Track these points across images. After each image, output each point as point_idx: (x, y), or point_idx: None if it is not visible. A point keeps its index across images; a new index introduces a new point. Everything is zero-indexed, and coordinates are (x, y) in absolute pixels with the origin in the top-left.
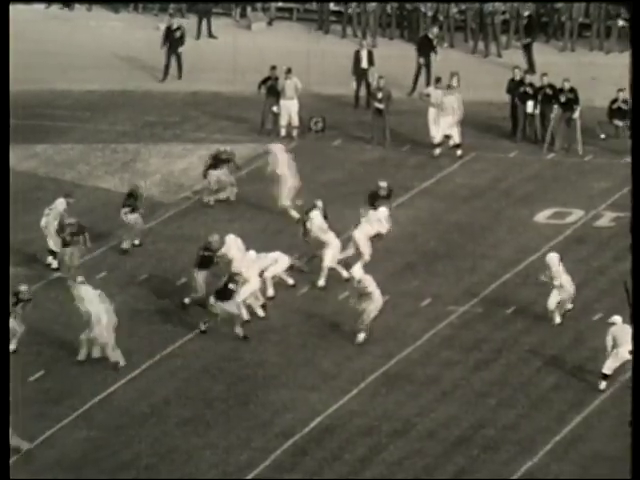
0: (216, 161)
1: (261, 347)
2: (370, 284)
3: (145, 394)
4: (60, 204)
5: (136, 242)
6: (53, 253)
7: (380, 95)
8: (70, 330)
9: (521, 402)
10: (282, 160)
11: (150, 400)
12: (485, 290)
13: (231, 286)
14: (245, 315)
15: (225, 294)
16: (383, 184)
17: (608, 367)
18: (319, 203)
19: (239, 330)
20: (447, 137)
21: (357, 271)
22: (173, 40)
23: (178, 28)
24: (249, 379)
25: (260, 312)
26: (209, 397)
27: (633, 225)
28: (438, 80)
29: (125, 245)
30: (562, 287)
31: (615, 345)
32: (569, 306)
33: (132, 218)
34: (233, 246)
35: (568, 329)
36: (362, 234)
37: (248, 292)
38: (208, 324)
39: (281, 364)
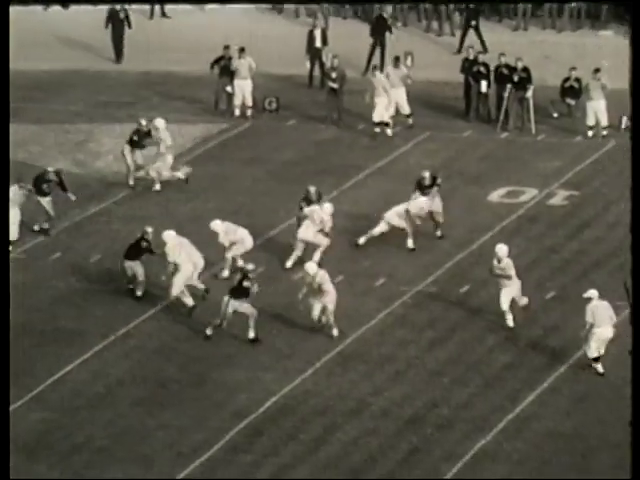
0: (139, 137)
1: (216, 327)
2: (325, 280)
3: (99, 375)
4: (16, 195)
5: (45, 226)
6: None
7: (334, 74)
8: (22, 310)
9: (475, 381)
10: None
11: (104, 381)
12: (439, 269)
13: (246, 284)
14: (191, 302)
15: (240, 292)
16: (426, 174)
17: (594, 349)
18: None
19: (252, 333)
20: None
21: (311, 267)
22: (117, 23)
23: (123, 9)
24: (203, 359)
25: (199, 287)
26: (163, 378)
27: (633, 225)
28: (397, 59)
29: (37, 227)
30: (512, 279)
31: (595, 324)
32: (525, 300)
33: (45, 201)
34: (177, 243)
35: (521, 308)
36: (306, 233)
37: (182, 280)
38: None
39: (235, 344)
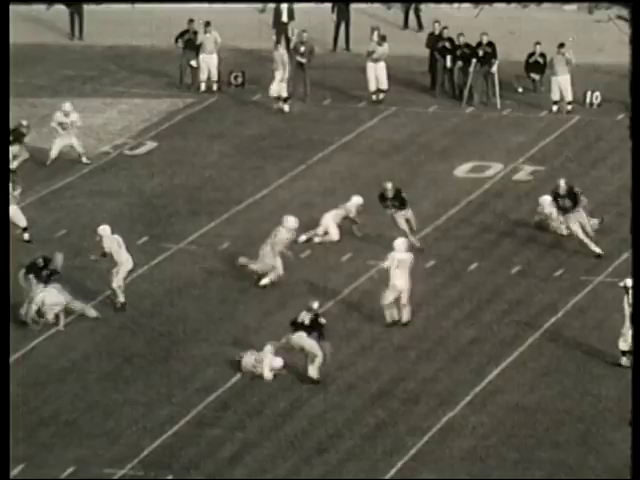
0: (16, 135)
1: (181, 302)
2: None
3: (65, 350)
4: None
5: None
6: None
7: (302, 49)
8: None
9: (440, 355)
10: None
11: (70, 356)
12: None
13: (322, 320)
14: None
15: (313, 328)
16: (388, 185)
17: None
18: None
19: (314, 372)
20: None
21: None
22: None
23: None
24: (169, 334)
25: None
26: (129, 353)
27: (633, 225)
28: (383, 38)
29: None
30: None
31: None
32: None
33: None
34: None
35: (486, 282)
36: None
37: (123, 274)
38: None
39: (202, 319)
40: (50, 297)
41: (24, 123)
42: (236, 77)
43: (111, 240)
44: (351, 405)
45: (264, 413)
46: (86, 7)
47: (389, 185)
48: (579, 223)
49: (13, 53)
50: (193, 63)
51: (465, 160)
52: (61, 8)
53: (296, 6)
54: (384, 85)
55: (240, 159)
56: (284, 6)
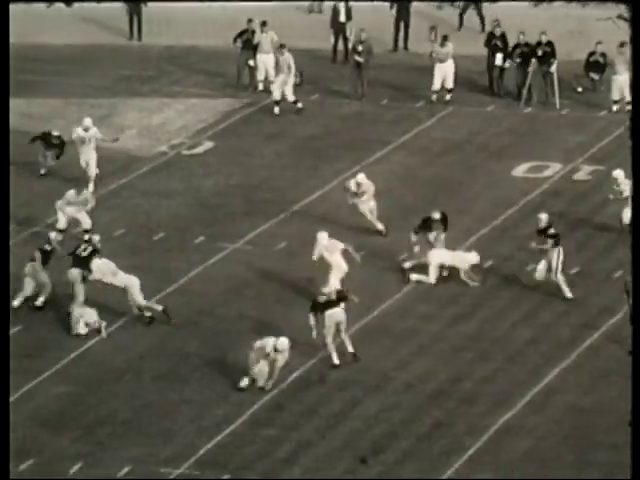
0: (46, 141)
1: (237, 302)
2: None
3: (121, 349)
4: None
5: None
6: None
7: (361, 48)
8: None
9: (497, 356)
10: None
11: (126, 355)
12: (461, 245)
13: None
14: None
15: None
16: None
17: None
18: None
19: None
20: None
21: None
22: (134, 0)
23: None
24: (225, 334)
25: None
26: (185, 352)
27: (633, 225)
28: (445, 37)
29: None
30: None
31: None
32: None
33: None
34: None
35: (544, 283)
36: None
37: (137, 294)
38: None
39: (257, 319)
40: (88, 315)
41: (55, 134)
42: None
43: (102, 272)
44: (408, 405)
45: (319, 413)
46: (144, 7)
47: None
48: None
49: (71, 54)
50: (251, 63)
51: (523, 160)
52: (117, 6)
53: (354, 5)
54: (450, 84)
55: (296, 159)
56: (341, 5)
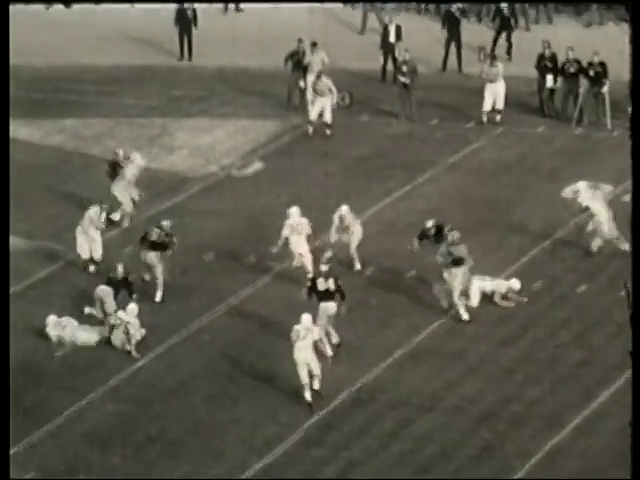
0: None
1: (287, 321)
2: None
3: (172, 369)
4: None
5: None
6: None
7: (405, 69)
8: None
9: (548, 377)
10: None
11: (177, 375)
12: (512, 265)
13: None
14: None
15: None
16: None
17: None
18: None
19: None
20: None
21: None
22: (185, 21)
23: (191, 7)
24: (275, 353)
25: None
26: (235, 372)
27: (633, 225)
28: (494, 58)
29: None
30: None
31: None
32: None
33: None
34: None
35: (595, 304)
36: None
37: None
38: None
39: None
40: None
41: (120, 153)
42: (344, 97)
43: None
44: (457, 426)
45: (370, 432)
46: (195, 29)
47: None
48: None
49: (122, 74)
50: (301, 84)
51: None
52: (168, 27)
53: (408, 26)
54: (501, 105)
55: (346, 179)
56: (392, 27)
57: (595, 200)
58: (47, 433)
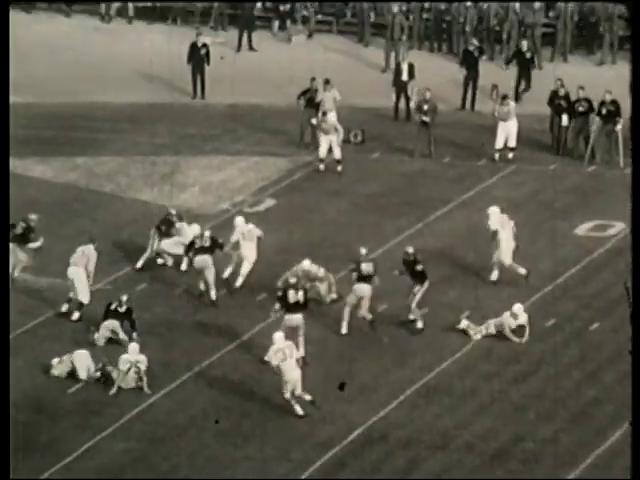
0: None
1: None
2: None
3: (183, 406)
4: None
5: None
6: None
7: (426, 107)
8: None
9: (560, 416)
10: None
11: (188, 412)
12: (524, 303)
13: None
14: None
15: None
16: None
17: None
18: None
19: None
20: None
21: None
22: (198, 58)
23: (204, 45)
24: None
25: None
26: (247, 409)
27: (633, 225)
28: (505, 97)
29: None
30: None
31: None
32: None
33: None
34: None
35: (608, 342)
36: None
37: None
38: None
39: (319, 376)
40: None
41: (173, 212)
42: (356, 135)
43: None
44: (469, 464)
45: (382, 470)
46: (207, 67)
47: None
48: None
49: (135, 112)
50: (313, 121)
51: (587, 219)
52: (181, 66)
53: (420, 64)
54: (513, 142)
55: (358, 216)
56: (405, 65)
57: (503, 228)
58: (60, 470)
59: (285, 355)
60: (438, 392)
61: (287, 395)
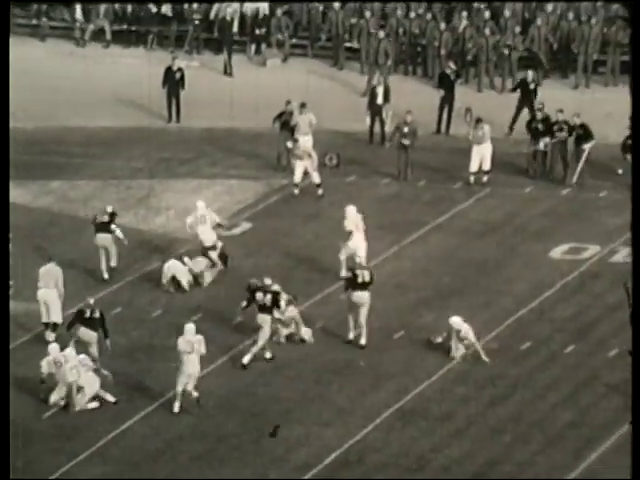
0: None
1: (275, 382)
2: None
3: (159, 430)
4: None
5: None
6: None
7: (406, 130)
8: None
9: (536, 439)
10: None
11: (164, 436)
12: (500, 326)
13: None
14: None
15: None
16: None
17: None
18: None
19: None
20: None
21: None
22: (173, 81)
23: (179, 69)
24: (263, 414)
25: None
26: (223, 433)
27: (633, 226)
28: (479, 120)
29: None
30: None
31: None
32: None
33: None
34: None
35: (583, 365)
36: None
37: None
38: None
39: (295, 399)
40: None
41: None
42: (331, 158)
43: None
44: None
45: None
46: (182, 91)
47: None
48: None
49: (111, 136)
50: (289, 144)
51: (561, 242)
52: (156, 90)
53: (395, 88)
54: (487, 166)
55: (334, 240)
56: (380, 89)
57: (357, 228)
58: None
59: (193, 349)
60: (414, 415)
61: (179, 388)
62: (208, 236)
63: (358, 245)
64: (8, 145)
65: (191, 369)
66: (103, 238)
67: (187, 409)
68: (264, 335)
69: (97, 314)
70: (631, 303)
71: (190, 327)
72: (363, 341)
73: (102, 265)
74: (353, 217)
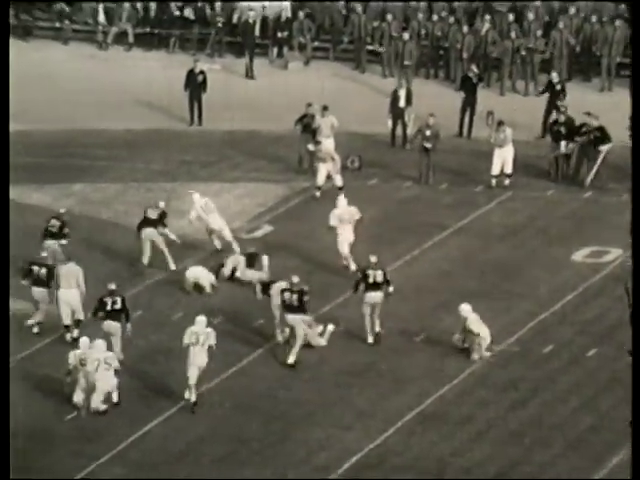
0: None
1: (295, 385)
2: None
3: (180, 432)
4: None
5: None
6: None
7: (428, 133)
8: None
9: (557, 442)
10: None
11: (185, 438)
12: (521, 329)
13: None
14: None
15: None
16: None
17: None
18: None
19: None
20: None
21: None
22: (195, 84)
23: (201, 72)
24: (283, 417)
25: None
26: (244, 435)
27: (633, 226)
28: (500, 123)
29: None
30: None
31: None
32: None
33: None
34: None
35: (605, 369)
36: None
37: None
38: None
39: (316, 402)
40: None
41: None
42: (353, 161)
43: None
44: None
45: None
46: (204, 94)
47: None
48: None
49: (132, 139)
50: (310, 147)
51: (583, 245)
52: (178, 93)
53: (417, 91)
54: (509, 169)
55: (355, 243)
56: (402, 92)
57: (341, 222)
58: None
59: (198, 340)
60: (435, 419)
61: (191, 382)
62: (220, 221)
63: (347, 237)
64: (8, 145)
65: (198, 361)
66: (150, 233)
67: (210, 411)
68: (300, 334)
69: (119, 304)
70: (631, 303)
71: (201, 319)
72: (370, 340)
73: (145, 257)
74: (341, 211)
